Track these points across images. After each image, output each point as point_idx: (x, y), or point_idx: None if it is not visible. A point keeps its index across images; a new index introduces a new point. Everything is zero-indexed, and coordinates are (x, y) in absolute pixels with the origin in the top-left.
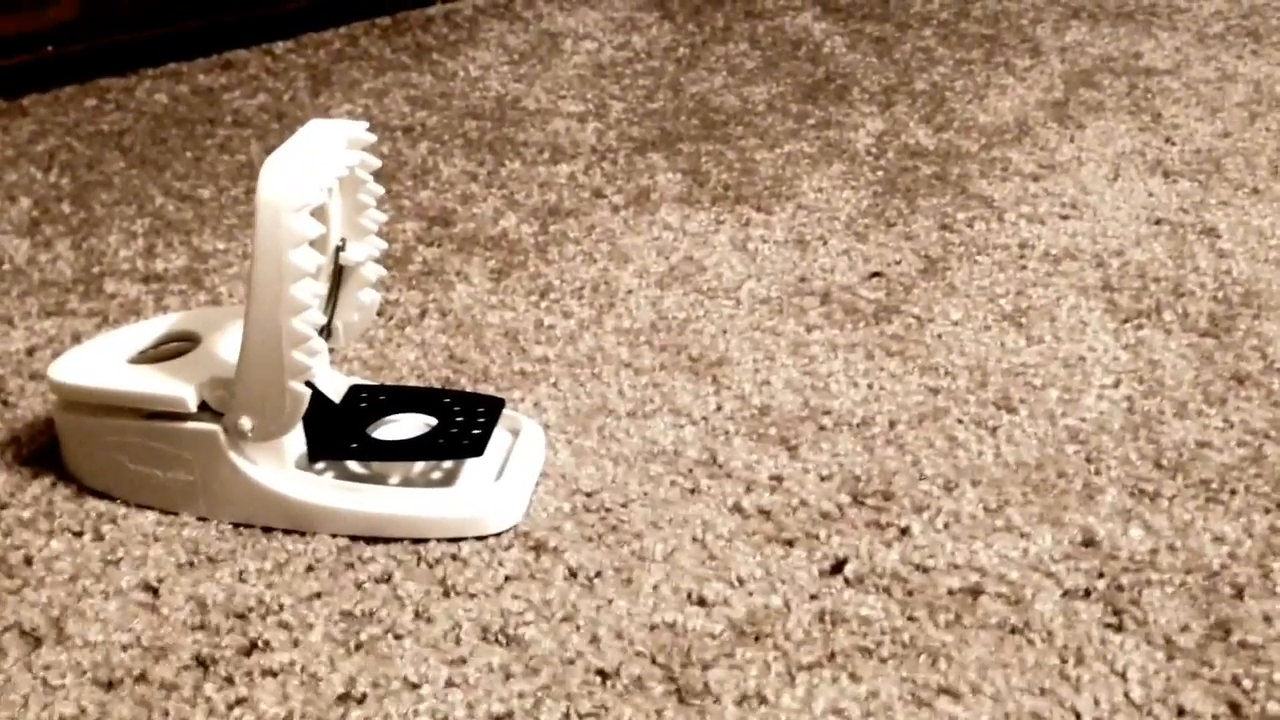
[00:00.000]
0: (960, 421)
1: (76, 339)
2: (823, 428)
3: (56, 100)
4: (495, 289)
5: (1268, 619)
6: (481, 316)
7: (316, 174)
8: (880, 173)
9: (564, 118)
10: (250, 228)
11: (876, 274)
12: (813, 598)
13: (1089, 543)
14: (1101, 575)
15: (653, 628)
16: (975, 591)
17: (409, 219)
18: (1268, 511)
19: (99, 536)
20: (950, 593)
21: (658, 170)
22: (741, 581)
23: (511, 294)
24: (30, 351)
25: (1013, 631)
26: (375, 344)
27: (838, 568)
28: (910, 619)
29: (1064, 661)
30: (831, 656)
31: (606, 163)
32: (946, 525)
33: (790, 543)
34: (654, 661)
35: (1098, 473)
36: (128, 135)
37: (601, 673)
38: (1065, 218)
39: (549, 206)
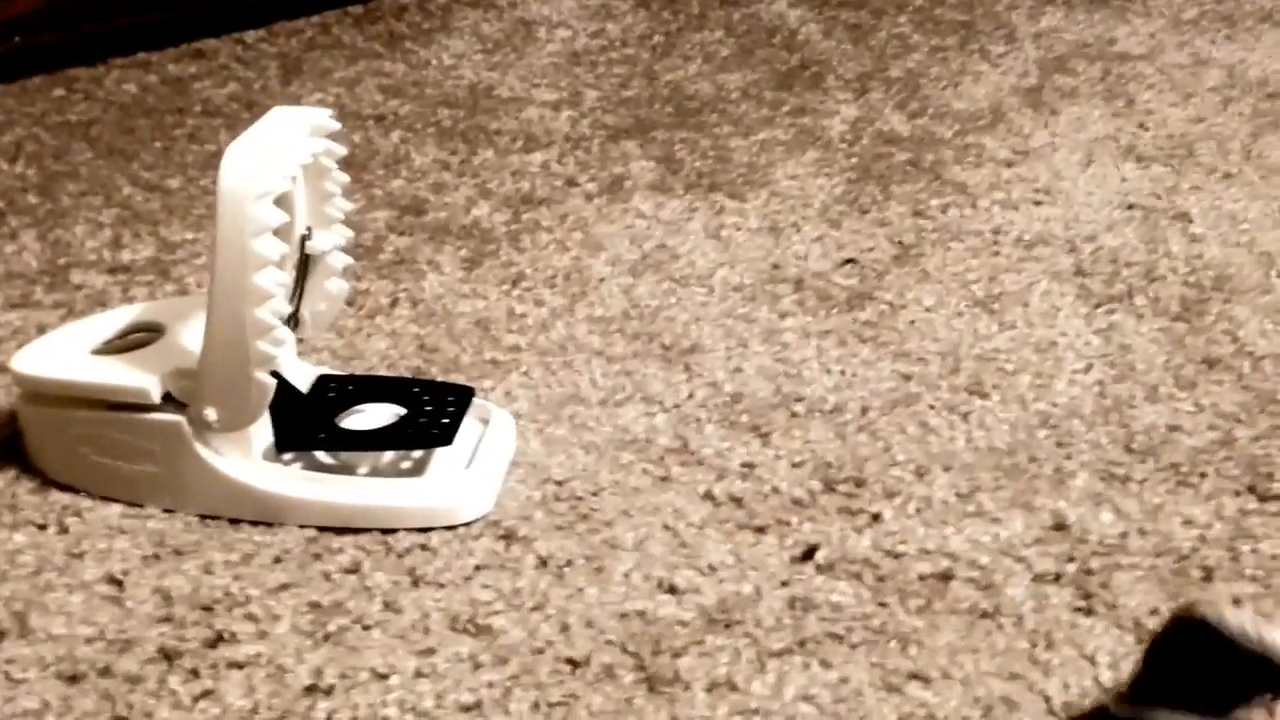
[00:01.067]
0: (932, 408)
1: (41, 330)
2: (795, 414)
3: (24, 91)
4: (467, 278)
5: (1237, 601)
6: (453, 306)
7: (279, 161)
8: (854, 160)
9: (538, 106)
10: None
11: (850, 260)
12: (783, 584)
13: (1059, 527)
14: (1072, 559)
15: (623, 616)
16: (946, 576)
17: (380, 208)
18: (1237, 494)
19: (63, 529)
20: (921, 578)
21: (631, 158)
22: (713, 569)
23: (483, 283)
24: None
25: (983, 616)
26: (345, 334)
27: (809, 554)
28: (881, 605)
29: (1034, 645)
30: (802, 643)
31: (580, 151)
32: (918, 510)
33: (762, 529)
34: (624, 650)
35: (1069, 457)
36: (95, 125)
37: (571, 661)
38: (1038, 203)
39: (521, 195)
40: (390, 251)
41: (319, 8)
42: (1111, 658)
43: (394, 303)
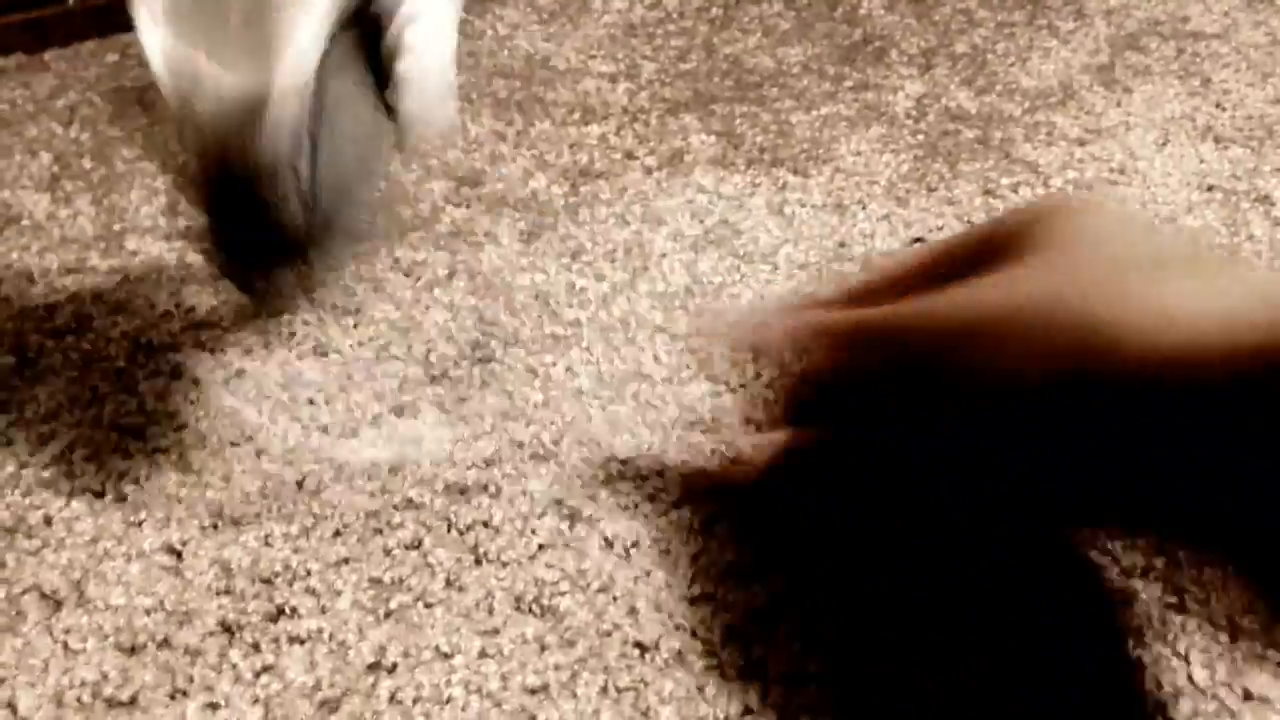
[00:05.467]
0: None
1: (98, 296)
2: None
3: (77, 55)
4: (525, 250)
5: None
6: (511, 279)
7: None
8: (920, 136)
9: (594, 78)
10: None
11: (918, 240)
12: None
13: None
14: (1160, 552)
15: (693, 601)
16: None
17: (436, 179)
18: None
19: (121, 497)
20: None
21: (691, 132)
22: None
23: (542, 256)
24: (50, 309)
25: None
26: (403, 305)
27: None
28: None
29: (1125, 643)
30: None
31: (638, 124)
32: None
33: None
34: (694, 635)
35: None
36: (150, 90)
37: (640, 645)
38: (1114, 183)
39: (579, 167)
40: (447, 223)
41: None
42: (1205, 657)
43: (451, 275)
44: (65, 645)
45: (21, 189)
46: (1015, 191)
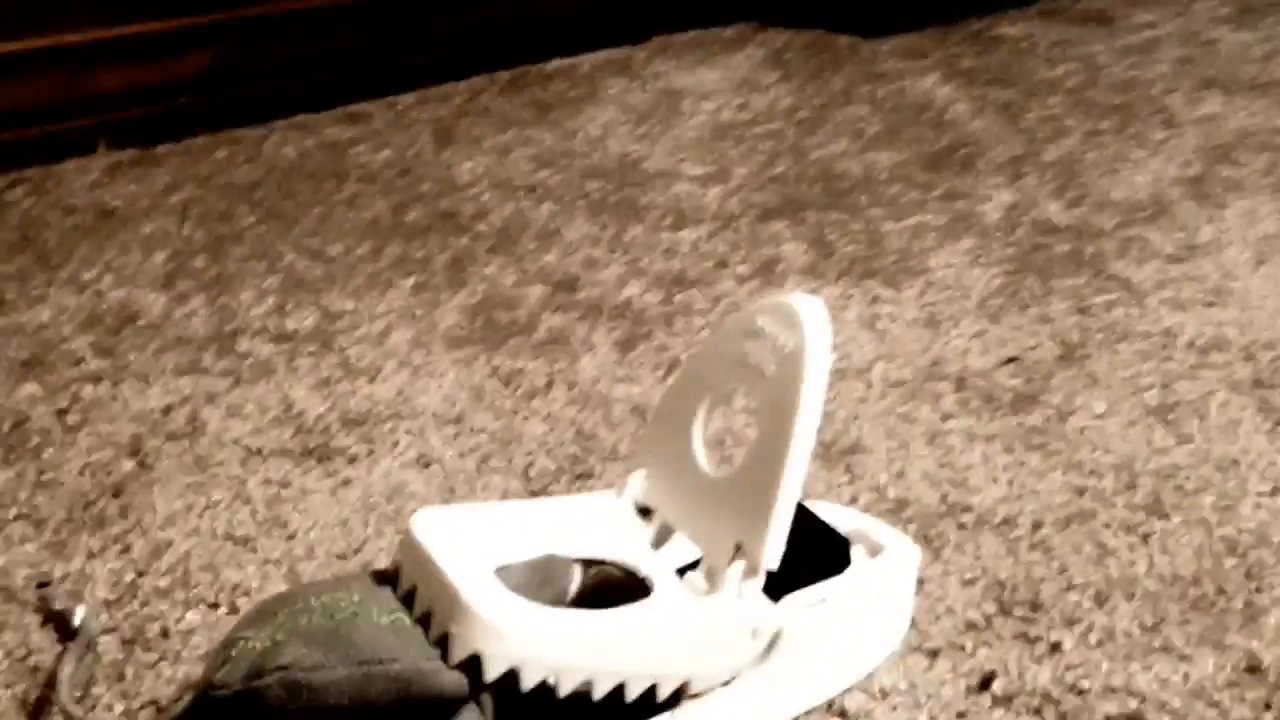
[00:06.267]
0: (1108, 526)
1: (210, 399)
2: (963, 526)
3: (189, 151)
4: (621, 360)
5: None
6: (608, 390)
7: None
8: (1011, 249)
9: (686, 181)
10: (375, 289)
11: (1012, 359)
12: (960, 716)
13: (1253, 669)
14: (1268, 706)
15: None
16: (1134, 719)
17: (534, 283)
18: None
19: (234, 609)
20: (1108, 719)
21: (782, 240)
22: (884, 694)
23: (638, 366)
24: (166, 410)
25: None
26: (502, 415)
27: (985, 684)
28: None
29: None
30: None
31: (730, 230)
32: (1100, 643)
33: (934, 653)
34: None
35: (1259, 590)
36: (258, 189)
37: None
38: (1210, 304)
39: (673, 275)
40: (544, 330)
41: (467, 73)
42: None
43: (549, 384)
44: None
45: (138, 288)
46: (1109, 311)
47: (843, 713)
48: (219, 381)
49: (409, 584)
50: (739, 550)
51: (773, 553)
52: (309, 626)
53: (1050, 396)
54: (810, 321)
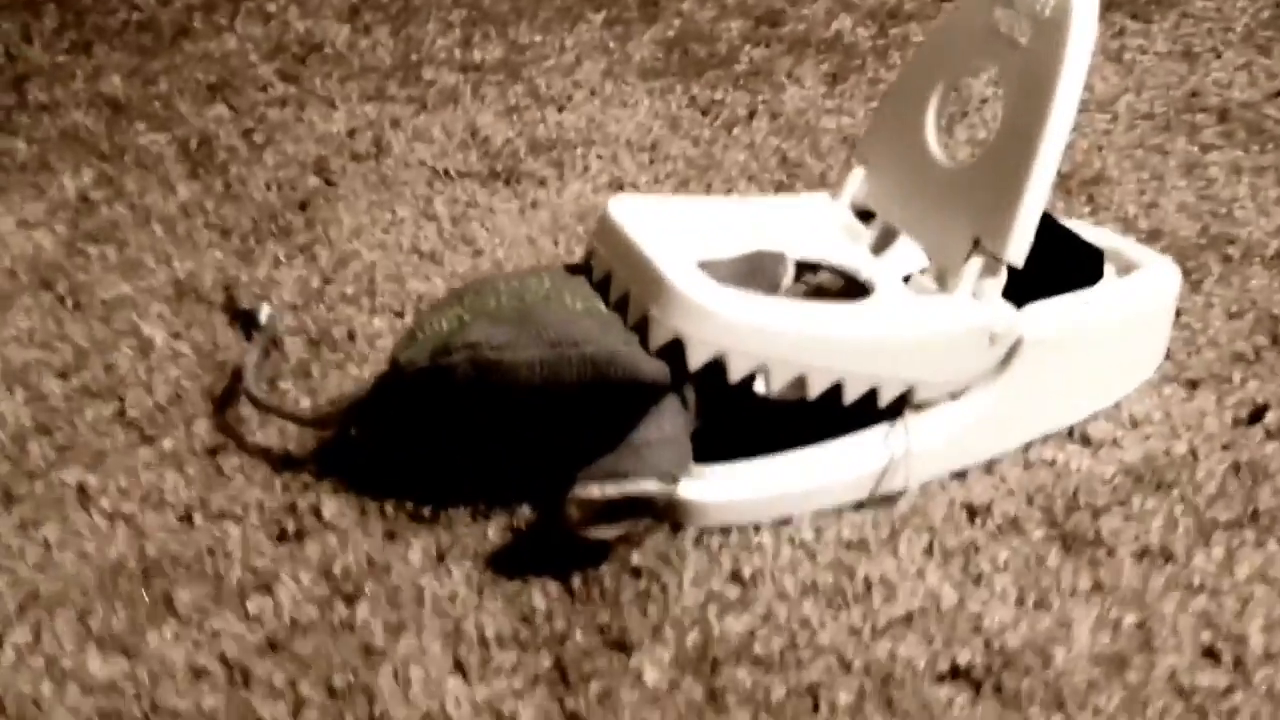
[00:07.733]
0: None
1: (395, 124)
2: (1228, 258)
3: None
4: (830, 92)
5: None
6: (815, 120)
7: None
8: None
9: None
10: (564, 23)
11: None
12: (1225, 448)
13: None
14: None
15: (1028, 465)
16: None
17: (734, 17)
18: None
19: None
20: None
21: None
22: (1135, 423)
23: (849, 98)
24: (351, 133)
25: None
26: (700, 143)
27: (1257, 416)
28: None
29: None
30: (1254, 516)
31: None
32: None
33: (1194, 384)
34: (1030, 502)
35: None
36: None
37: (970, 509)
38: None
39: (887, 9)
40: (745, 62)
41: None
42: None
43: (752, 114)
44: None
45: (323, 18)
46: None
47: (1086, 439)
48: (404, 108)
49: (604, 268)
50: (977, 246)
51: (1018, 246)
52: (498, 308)
53: None
54: None
